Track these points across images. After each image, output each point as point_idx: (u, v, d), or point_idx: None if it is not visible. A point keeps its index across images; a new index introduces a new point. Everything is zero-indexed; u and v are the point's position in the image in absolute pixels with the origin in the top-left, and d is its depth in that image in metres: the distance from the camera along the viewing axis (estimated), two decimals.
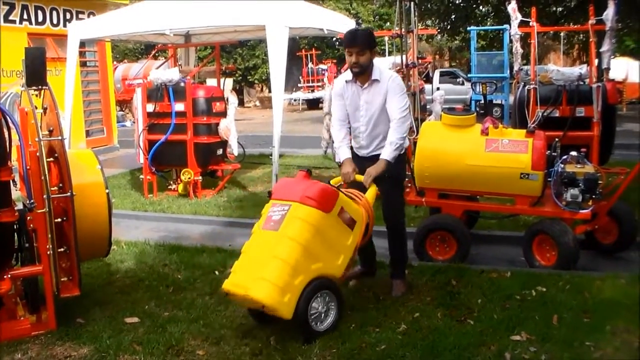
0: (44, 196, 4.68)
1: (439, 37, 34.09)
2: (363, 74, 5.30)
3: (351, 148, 5.61)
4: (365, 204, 5.13)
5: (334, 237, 4.85)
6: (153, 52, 14.73)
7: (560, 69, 8.17)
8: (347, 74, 5.45)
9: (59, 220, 4.86)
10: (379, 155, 5.31)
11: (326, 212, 4.77)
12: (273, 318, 4.67)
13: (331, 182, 5.33)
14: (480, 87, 8.97)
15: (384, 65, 5.71)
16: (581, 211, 6.24)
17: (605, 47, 8.09)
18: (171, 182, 10.72)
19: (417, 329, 4.79)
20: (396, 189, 5.61)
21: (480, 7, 25.12)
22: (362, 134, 5.50)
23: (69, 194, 4.73)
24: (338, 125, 5.57)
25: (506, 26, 16.69)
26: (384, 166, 5.19)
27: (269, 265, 4.57)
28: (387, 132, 5.33)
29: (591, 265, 6.41)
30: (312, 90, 31.78)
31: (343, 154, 5.45)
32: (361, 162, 5.43)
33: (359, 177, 5.23)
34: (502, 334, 4.63)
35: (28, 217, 4.97)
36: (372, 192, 5.27)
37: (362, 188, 5.26)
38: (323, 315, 4.72)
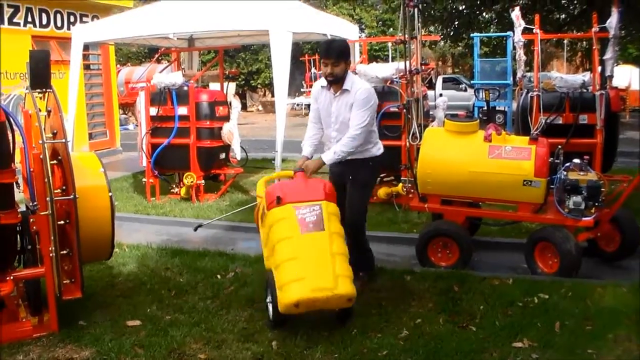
0: (47, 198, 4.69)
1: (442, 43, 34.07)
2: (337, 83, 5.49)
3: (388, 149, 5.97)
4: None
5: None
6: (156, 56, 14.69)
7: (563, 76, 8.19)
8: (324, 80, 5.60)
9: (62, 222, 4.87)
10: (354, 159, 5.56)
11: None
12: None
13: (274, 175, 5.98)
14: (483, 93, 9.01)
15: (357, 78, 5.82)
16: (584, 219, 6.23)
17: (608, 54, 8.11)
18: (174, 186, 10.72)
19: (419, 334, 4.79)
20: (358, 192, 5.69)
21: (484, 14, 25.10)
22: (333, 140, 5.63)
23: (72, 196, 4.74)
24: (310, 125, 5.89)
25: (509, 33, 16.69)
26: (317, 165, 5.45)
27: (336, 262, 4.81)
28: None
29: (593, 273, 6.40)
30: None
31: (304, 151, 5.79)
32: (332, 165, 5.67)
33: (287, 173, 5.76)
34: (504, 341, 4.63)
35: (31, 219, 4.98)
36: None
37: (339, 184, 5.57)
38: None
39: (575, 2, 22.60)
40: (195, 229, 5.24)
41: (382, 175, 9.87)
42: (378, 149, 5.72)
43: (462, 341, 4.64)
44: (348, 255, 4.98)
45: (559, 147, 6.62)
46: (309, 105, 29.22)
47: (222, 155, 10.52)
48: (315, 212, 4.93)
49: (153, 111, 10.17)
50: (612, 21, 7.85)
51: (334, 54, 5.41)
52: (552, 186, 6.34)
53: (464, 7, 23.64)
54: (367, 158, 5.63)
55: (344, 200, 5.58)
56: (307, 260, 4.79)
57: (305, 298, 4.64)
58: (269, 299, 5.00)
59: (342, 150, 5.40)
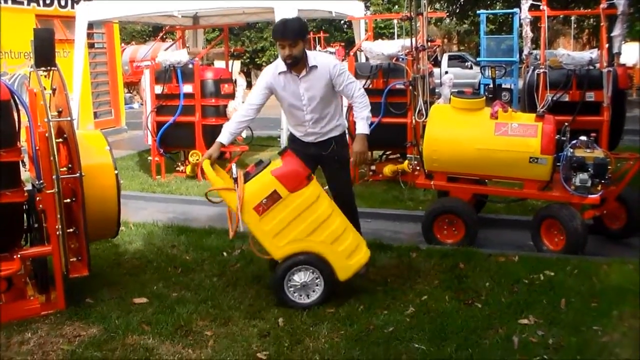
0: (53, 177, 4.69)
1: (447, 20, 33.92)
2: (297, 64, 5.19)
3: (292, 135, 5.65)
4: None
5: None
6: (161, 34, 14.65)
7: (570, 53, 8.13)
8: (280, 65, 5.26)
9: (68, 200, 4.88)
10: (326, 140, 5.42)
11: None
12: None
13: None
14: (489, 71, 8.94)
15: (312, 51, 5.64)
16: (590, 196, 6.21)
17: (616, 31, 8.04)
18: (179, 164, 10.74)
19: (425, 311, 4.80)
20: (345, 169, 5.63)
21: None
22: (307, 123, 5.39)
23: (78, 174, 4.74)
24: (245, 108, 5.47)
25: (516, 10, 16.59)
26: (365, 140, 5.29)
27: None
28: (331, 115, 5.42)
29: (599, 250, 6.39)
30: None
31: (222, 136, 5.45)
32: (306, 147, 5.45)
33: (206, 167, 5.38)
34: (509, 318, 4.64)
35: (37, 198, 4.98)
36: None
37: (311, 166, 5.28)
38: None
39: None
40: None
41: (387, 153, 9.87)
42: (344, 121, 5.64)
43: (468, 318, 4.65)
44: None
45: (566, 124, 6.59)
46: None
47: None
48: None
49: (158, 89, 10.16)
50: None
51: (291, 34, 5.07)
52: (558, 163, 6.32)
53: None
54: (342, 133, 5.56)
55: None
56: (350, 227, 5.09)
57: (368, 258, 5.12)
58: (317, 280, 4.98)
59: (367, 111, 5.32)
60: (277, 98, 5.43)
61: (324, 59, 5.37)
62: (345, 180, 5.66)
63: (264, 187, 4.83)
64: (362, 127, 5.30)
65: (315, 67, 5.22)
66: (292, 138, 5.67)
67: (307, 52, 5.25)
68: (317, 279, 4.94)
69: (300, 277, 4.92)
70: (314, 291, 4.96)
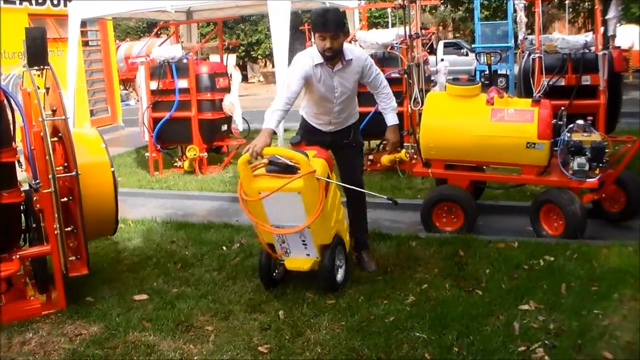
0: (50, 176, 4.69)
1: (442, 8, 33.82)
2: (335, 57, 5.08)
3: (306, 125, 5.60)
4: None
5: None
6: (155, 30, 14.62)
7: (565, 37, 8.11)
8: (316, 57, 5.08)
9: (65, 199, 4.87)
10: (345, 128, 5.44)
11: None
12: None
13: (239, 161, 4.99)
14: (485, 57, 8.94)
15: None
16: (588, 180, 6.21)
17: (611, 14, 8.03)
18: (177, 159, 10.72)
19: (425, 300, 4.80)
20: (359, 156, 5.70)
21: None
22: (334, 113, 5.35)
23: (74, 173, 4.73)
24: (288, 96, 5.06)
25: None
26: (397, 130, 5.40)
27: None
28: (353, 105, 5.48)
29: (598, 234, 6.38)
30: None
31: (271, 122, 5.01)
32: (323, 135, 5.43)
33: (270, 150, 4.87)
34: (510, 304, 4.64)
35: (34, 198, 4.99)
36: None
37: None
38: None
39: None
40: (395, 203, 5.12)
41: (385, 142, 9.85)
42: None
43: (469, 305, 4.65)
44: None
45: (562, 108, 6.57)
46: None
47: (224, 127, 10.51)
48: None
49: (153, 85, 10.14)
50: None
51: (333, 25, 4.90)
52: (555, 148, 6.31)
53: None
54: (357, 121, 5.62)
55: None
56: None
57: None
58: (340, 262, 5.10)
59: (394, 102, 5.46)
60: (309, 88, 5.26)
61: (358, 53, 5.34)
62: (359, 165, 5.70)
63: (323, 171, 4.87)
64: (393, 118, 5.41)
65: (350, 60, 5.16)
66: (307, 128, 5.52)
67: (344, 44, 5.15)
68: (342, 258, 5.11)
69: (340, 258, 5.08)
70: (338, 271, 5.07)
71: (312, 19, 5.20)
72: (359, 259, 5.61)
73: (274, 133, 5.12)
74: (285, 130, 9.98)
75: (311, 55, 5.13)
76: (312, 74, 5.11)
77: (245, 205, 4.90)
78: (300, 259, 5.06)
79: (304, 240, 4.96)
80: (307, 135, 5.38)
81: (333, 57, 5.03)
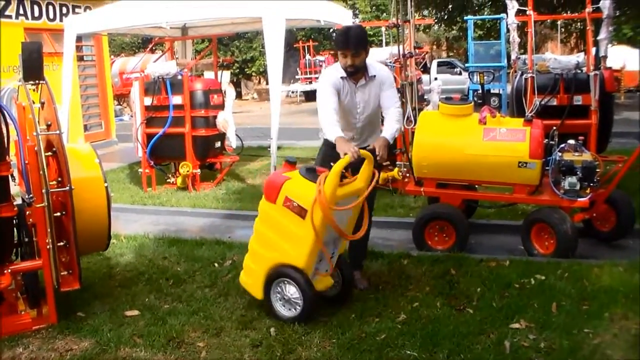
0: (43, 190, 4.69)
1: (436, 27, 34.00)
2: (357, 73, 5.19)
3: (328, 140, 5.44)
4: (320, 194, 4.58)
5: (284, 226, 4.82)
6: (150, 46, 14.67)
7: (557, 58, 8.19)
8: (340, 70, 5.21)
9: (58, 214, 4.87)
10: (365, 146, 5.24)
11: (271, 202, 4.85)
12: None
13: (336, 165, 4.81)
14: (478, 76, 8.98)
15: (373, 58, 5.63)
16: (579, 199, 6.25)
17: (602, 35, 8.09)
18: (170, 176, 10.71)
19: (417, 318, 4.81)
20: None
21: None
22: (356, 129, 5.40)
23: (67, 188, 4.74)
24: (333, 112, 5.09)
25: (503, 15, 16.62)
26: (387, 143, 5.10)
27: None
28: (377, 122, 5.52)
29: (589, 253, 6.42)
30: (310, 82, 31.69)
31: (337, 131, 4.98)
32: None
33: (365, 153, 4.88)
34: (501, 322, 4.65)
35: (27, 212, 4.99)
36: (366, 172, 4.94)
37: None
38: (288, 301, 4.84)
39: None
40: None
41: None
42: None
43: (460, 324, 4.66)
44: (251, 248, 5.11)
45: (554, 128, 6.63)
46: (303, 93, 28.87)
47: (218, 144, 10.52)
48: None
49: (147, 101, 10.16)
50: (606, 1, 7.83)
51: (354, 43, 5.04)
52: (547, 167, 6.35)
53: None
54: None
55: None
56: None
57: None
58: None
59: (400, 122, 5.45)
60: None
61: (382, 70, 5.39)
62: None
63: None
64: (390, 134, 5.13)
65: (374, 76, 5.25)
66: (329, 144, 5.31)
67: (367, 61, 5.24)
68: None
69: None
70: None
71: (335, 36, 5.36)
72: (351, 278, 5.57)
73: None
74: (279, 147, 10.00)
75: (337, 69, 5.28)
76: (340, 86, 5.21)
77: (330, 214, 4.63)
78: (326, 278, 5.01)
79: (333, 253, 5.01)
80: (329, 151, 5.32)
81: (355, 73, 5.16)
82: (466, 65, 21.97)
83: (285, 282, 4.79)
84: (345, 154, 4.70)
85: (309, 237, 4.68)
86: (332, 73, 5.30)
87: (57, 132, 4.87)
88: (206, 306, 5.23)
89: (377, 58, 9.10)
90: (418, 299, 5.16)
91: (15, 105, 5.04)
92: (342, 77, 5.22)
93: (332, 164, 4.74)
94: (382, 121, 5.46)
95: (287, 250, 4.80)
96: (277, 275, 4.82)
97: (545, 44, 33.63)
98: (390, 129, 5.20)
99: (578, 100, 7.88)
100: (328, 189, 4.57)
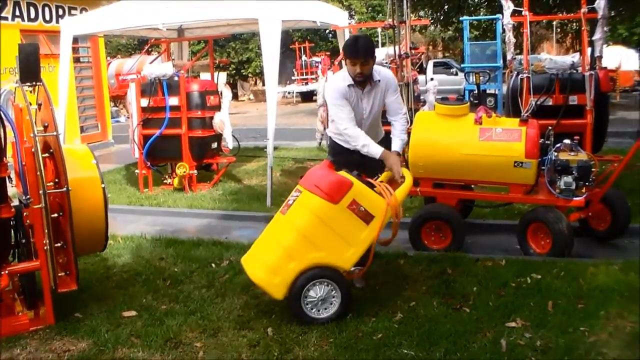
0: (40, 192, 4.70)
1: (432, 27, 34.07)
2: (365, 81, 5.34)
3: (334, 145, 5.68)
4: (392, 199, 4.90)
5: (343, 228, 4.79)
6: (146, 47, 14.66)
7: (553, 58, 8.21)
8: (347, 78, 5.34)
9: (56, 215, 4.87)
10: None
11: (333, 203, 4.74)
12: None
13: (380, 177, 5.30)
14: (474, 77, 9.02)
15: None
16: (575, 198, 6.27)
17: (597, 35, 8.13)
18: (166, 177, 10.72)
19: (413, 317, 4.82)
20: None
21: None
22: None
23: (65, 189, 4.75)
24: (353, 127, 5.35)
25: (499, 16, 16.66)
26: (399, 160, 5.32)
27: (268, 246, 4.93)
28: (378, 128, 5.66)
29: (585, 252, 6.44)
30: (306, 83, 31.71)
31: (378, 148, 5.31)
32: (351, 155, 5.48)
33: (405, 171, 5.26)
34: (497, 321, 4.67)
35: (24, 213, 4.99)
36: (403, 187, 5.16)
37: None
38: (322, 303, 4.77)
39: None
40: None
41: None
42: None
43: (456, 323, 4.68)
44: (286, 247, 4.77)
45: (550, 128, 6.65)
46: (300, 94, 28.84)
47: (214, 145, 10.53)
48: (294, 198, 4.94)
49: (144, 102, 10.16)
50: (601, 1, 7.86)
51: (362, 52, 5.19)
52: (543, 167, 6.38)
53: None
54: (383, 139, 5.71)
55: None
56: (263, 235, 5.11)
57: (242, 262, 5.10)
58: None
59: (405, 137, 5.56)
60: None
61: (386, 73, 5.55)
62: None
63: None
64: (399, 146, 5.45)
65: (378, 81, 5.39)
66: (336, 149, 5.66)
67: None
68: None
69: None
70: None
71: (344, 45, 5.51)
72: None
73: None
74: (275, 148, 10.01)
75: (342, 77, 5.41)
76: (348, 94, 5.35)
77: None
78: None
79: None
80: (336, 156, 5.58)
81: (363, 81, 5.32)
82: (462, 65, 21.99)
83: (324, 283, 4.78)
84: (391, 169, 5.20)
85: (367, 242, 4.85)
86: (338, 84, 5.41)
87: (54, 133, 4.87)
88: (203, 306, 5.24)
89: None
90: (415, 299, 5.17)
91: (12, 107, 5.04)
92: (349, 85, 5.34)
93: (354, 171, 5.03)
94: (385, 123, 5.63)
95: (339, 252, 4.81)
96: (316, 275, 4.75)
97: (541, 44, 33.69)
98: (399, 141, 5.47)
99: (573, 100, 7.89)
100: (398, 202, 4.97)
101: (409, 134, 7.05)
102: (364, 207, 4.79)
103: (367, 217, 4.80)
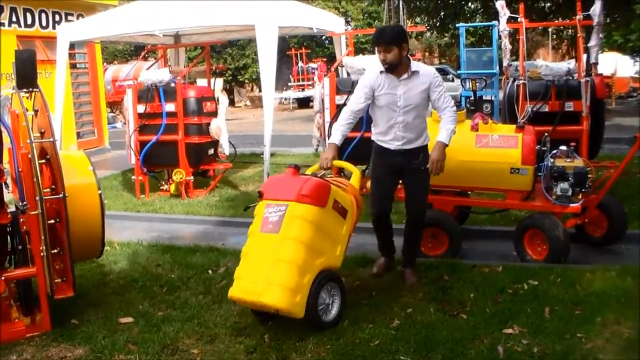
0: (37, 198, 4.70)
1: (428, 34, 34.14)
2: (395, 68, 5.42)
3: (377, 147, 5.76)
4: (353, 190, 5.30)
5: (331, 229, 4.92)
6: (143, 53, 14.65)
7: (548, 64, 8.23)
8: (380, 65, 5.52)
9: (52, 221, 4.87)
10: (410, 149, 5.57)
11: (322, 207, 4.83)
12: (275, 316, 4.75)
13: (307, 171, 5.46)
14: (470, 83, 9.00)
15: (366, 65, 5.80)
16: (571, 205, 6.28)
17: (592, 42, 8.16)
18: (163, 183, 10.72)
19: (411, 324, 4.82)
20: (425, 181, 5.74)
21: (469, 4, 25.17)
22: (399, 125, 5.55)
23: (61, 195, 4.74)
24: (348, 113, 5.65)
25: (495, 22, 16.70)
26: (444, 149, 5.46)
27: (277, 269, 4.61)
28: (422, 126, 5.65)
29: (582, 258, 6.45)
30: (303, 89, 31.78)
31: (335, 137, 5.56)
32: (392, 157, 5.62)
33: (338, 163, 5.61)
34: (494, 328, 4.67)
35: (21, 219, 4.98)
36: (355, 177, 5.59)
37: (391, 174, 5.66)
38: (329, 306, 4.83)
39: None
40: (259, 195, 5.05)
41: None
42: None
43: (453, 329, 4.68)
44: (297, 262, 4.61)
45: (546, 134, 6.67)
46: (296, 100, 28.92)
47: (211, 151, 10.52)
48: (279, 213, 4.80)
49: (141, 109, 10.16)
50: (596, 8, 7.89)
51: (383, 40, 5.37)
52: (539, 173, 6.39)
53: None
54: (425, 145, 5.71)
55: (390, 191, 5.80)
56: (251, 259, 4.83)
57: (236, 297, 4.81)
58: None
59: (454, 124, 5.58)
60: (375, 100, 5.60)
61: (426, 68, 5.69)
62: (426, 189, 5.82)
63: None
64: (444, 136, 5.52)
65: (417, 72, 5.49)
66: (377, 150, 5.77)
67: (411, 60, 5.54)
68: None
69: None
70: None
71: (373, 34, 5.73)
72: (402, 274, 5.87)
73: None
74: (272, 154, 10.01)
75: (379, 65, 5.57)
76: (377, 82, 5.54)
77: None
78: None
79: None
80: (377, 158, 5.74)
81: (390, 68, 5.43)
82: (458, 72, 22.06)
83: (328, 285, 4.82)
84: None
85: (347, 236, 5.08)
86: (371, 72, 5.68)
87: (51, 139, 4.87)
88: (200, 313, 5.23)
89: (370, 65, 9.13)
90: (412, 305, 5.17)
91: (8, 113, 5.03)
92: (381, 72, 5.53)
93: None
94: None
95: (332, 252, 4.91)
96: (323, 281, 4.76)
97: (537, 51, 33.82)
98: (445, 131, 5.53)
99: (569, 106, 7.92)
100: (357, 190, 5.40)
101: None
102: (341, 204, 4.98)
103: (343, 213, 5.01)
